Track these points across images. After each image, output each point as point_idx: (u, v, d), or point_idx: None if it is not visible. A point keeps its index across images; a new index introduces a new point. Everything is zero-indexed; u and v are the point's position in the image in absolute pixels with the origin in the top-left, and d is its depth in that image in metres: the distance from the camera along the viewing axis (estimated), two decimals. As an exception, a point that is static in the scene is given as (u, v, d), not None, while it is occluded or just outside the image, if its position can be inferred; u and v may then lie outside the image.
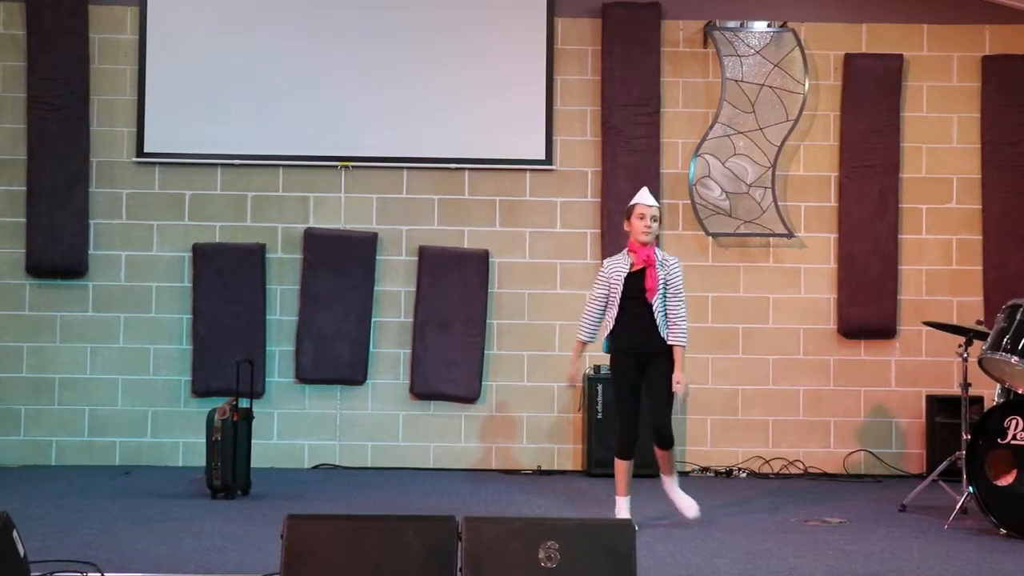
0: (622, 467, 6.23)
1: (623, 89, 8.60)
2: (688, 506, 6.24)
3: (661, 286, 6.10)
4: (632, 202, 6.28)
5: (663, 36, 8.70)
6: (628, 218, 6.26)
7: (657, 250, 6.21)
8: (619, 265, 6.20)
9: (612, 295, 6.19)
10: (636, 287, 6.13)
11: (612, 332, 6.21)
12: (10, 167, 8.55)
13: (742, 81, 8.60)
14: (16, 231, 8.51)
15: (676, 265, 6.20)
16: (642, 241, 6.16)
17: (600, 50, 8.66)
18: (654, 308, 6.09)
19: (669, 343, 6.10)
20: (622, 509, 6.21)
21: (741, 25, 8.60)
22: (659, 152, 8.65)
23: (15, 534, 4.12)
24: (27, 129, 8.51)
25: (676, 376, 6.08)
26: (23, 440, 8.43)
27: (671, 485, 6.33)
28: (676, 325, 6.12)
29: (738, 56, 8.60)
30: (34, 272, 8.49)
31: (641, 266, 6.14)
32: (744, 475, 8.41)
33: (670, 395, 6.18)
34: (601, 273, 6.32)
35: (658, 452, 6.27)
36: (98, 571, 4.65)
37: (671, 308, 6.13)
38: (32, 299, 8.52)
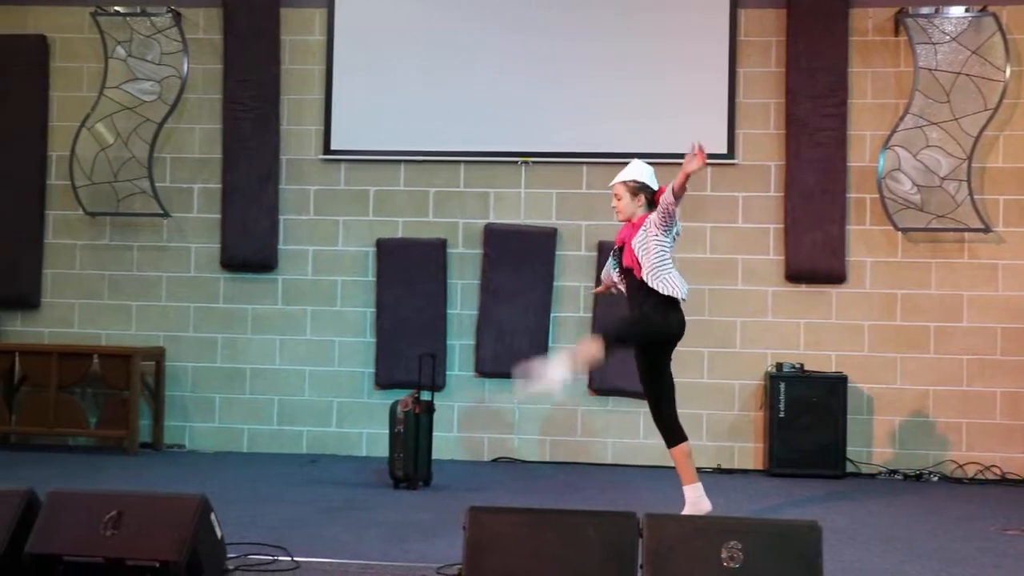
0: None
1: (809, 80, 8.38)
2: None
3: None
4: None
5: (851, 25, 8.43)
6: None
7: (648, 219, 5.94)
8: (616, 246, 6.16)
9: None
10: (623, 265, 6.04)
11: None
12: (207, 166, 8.91)
13: (936, 69, 8.25)
14: (212, 227, 8.87)
15: (648, 220, 5.93)
16: (619, 220, 6.10)
17: (785, 41, 8.46)
18: (646, 283, 5.88)
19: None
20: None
21: (936, 11, 8.25)
22: (846, 145, 8.39)
23: (213, 516, 4.28)
24: (222, 129, 8.86)
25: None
26: (217, 427, 8.79)
27: (689, 495, 6.00)
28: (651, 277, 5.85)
29: (932, 44, 8.26)
30: (228, 266, 8.83)
31: (620, 244, 6.06)
32: (935, 479, 8.08)
33: (661, 387, 6.03)
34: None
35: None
36: (288, 556, 4.79)
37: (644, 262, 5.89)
38: (226, 292, 8.87)
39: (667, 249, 5.92)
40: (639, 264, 5.90)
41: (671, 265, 5.93)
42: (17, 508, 4.22)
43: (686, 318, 6.06)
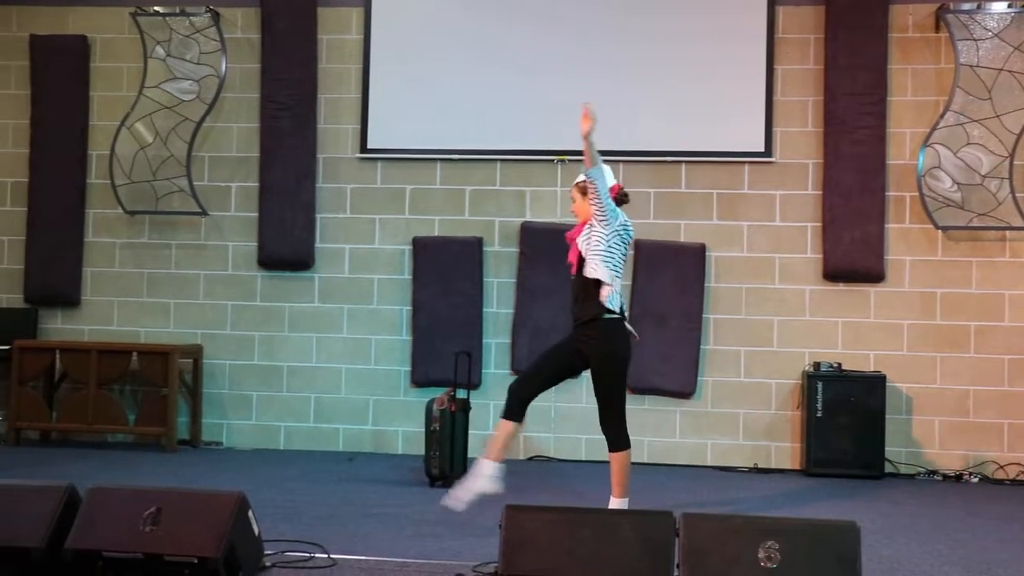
0: (501, 428, 5.86)
1: (847, 78, 8.31)
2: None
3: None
4: None
5: (891, 22, 8.36)
6: None
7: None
8: None
9: None
10: (568, 262, 6.01)
11: None
12: (245, 164, 8.96)
13: (978, 66, 8.16)
14: (250, 225, 8.92)
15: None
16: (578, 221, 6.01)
17: (823, 38, 8.40)
18: (588, 283, 5.81)
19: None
20: (482, 471, 5.81)
21: (978, 7, 8.17)
22: (885, 142, 8.32)
23: (250, 513, 4.30)
24: (260, 128, 8.91)
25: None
26: (255, 424, 8.84)
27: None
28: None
29: (974, 40, 8.17)
30: (265, 264, 8.88)
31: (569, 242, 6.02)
32: (976, 480, 8.00)
33: (606, 389, 5.85)
34: None
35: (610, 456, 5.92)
36: (324, 553, 4.80)
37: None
38: (263, 290, 8.92)
39: (607, 242, 5.79)
40: (582, 258, 5.85)
41: (613, 264, 5.80)
42: (58, 504, 4.26)
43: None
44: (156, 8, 8.95)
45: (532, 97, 8.63)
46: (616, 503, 5.86)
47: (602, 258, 5.79)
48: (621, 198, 5.98)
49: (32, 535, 4.15)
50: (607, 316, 5.80)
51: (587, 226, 5.89)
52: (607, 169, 5.89)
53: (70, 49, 9.09)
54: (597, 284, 5.80)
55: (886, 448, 7.92)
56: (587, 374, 6.00)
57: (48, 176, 9.04)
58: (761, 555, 3.95)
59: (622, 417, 5.92)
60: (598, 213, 5.79)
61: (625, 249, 5.94)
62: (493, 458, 5.83)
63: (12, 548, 4.13)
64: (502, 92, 8.67)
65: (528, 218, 8.65)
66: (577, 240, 5.93)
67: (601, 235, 5.81)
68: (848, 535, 4.01)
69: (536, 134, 8.62)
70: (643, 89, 8.53)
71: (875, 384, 7.91)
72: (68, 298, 9.02)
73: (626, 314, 5.95)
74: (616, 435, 5.90)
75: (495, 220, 8.72)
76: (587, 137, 5.66)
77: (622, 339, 5.87)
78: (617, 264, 5.84)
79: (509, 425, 5.86)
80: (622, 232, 5.88)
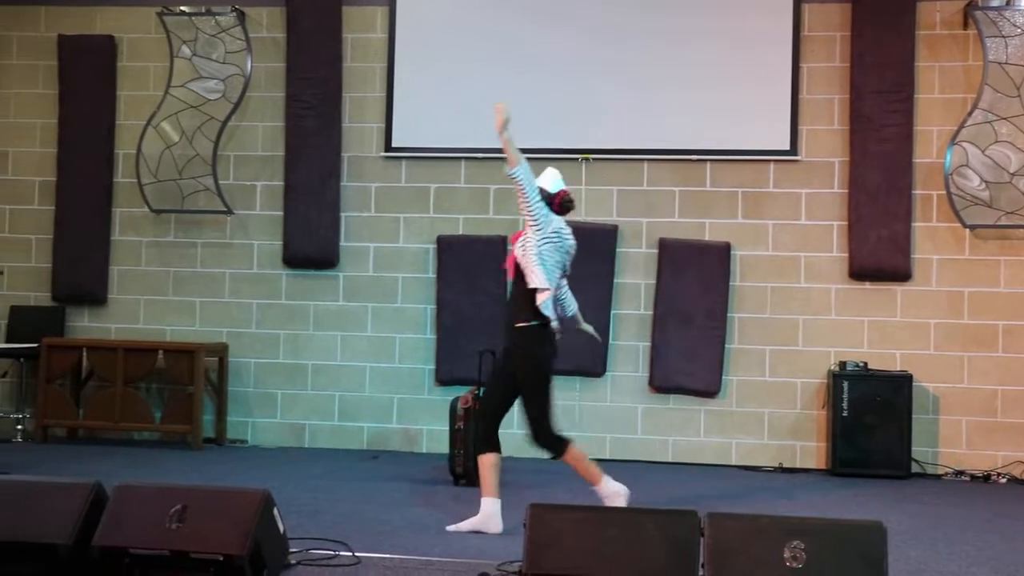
0: (482, 463, 5.67)
1: (874, 75, 8.26)
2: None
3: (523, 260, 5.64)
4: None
5: (918, 19, 8.30)
6: None
7: None
8: None
9: None
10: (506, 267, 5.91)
11: None
12: (270, 163, 8.99)
13: (1007, 63, 8.10)
14: (275, 224, 8.95)
15: None
16: None
17: (850, 36, 8.35)
18: (512, 288, 5.72)
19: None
20: (485, 509, 5.58)
21: (1007, 3, 8.10)
22: (912, 140, 8.27)
23: (275, 511, 4.32)
24: (285, 127, 8.94)
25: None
26: (279, 423, 8.87)
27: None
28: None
29: (1003, 37, 8.10)
30: (290, 263, 8.91)
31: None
32: (1004, 480, 7.93)
33: (528, 391, 5.66)
34: None
35: None
36: (349, 550, 4.81)
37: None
38: (288, 289, 8.94)
39: (538, 248, 5.64)
40: (516, 264, 5.70)
41: (545, 271, 5.63)
42: (85, 501, 4.29)
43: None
44: (182, 8, 8.99)
45: (556, 96, 8.62)
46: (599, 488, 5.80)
47: (533, 263, 5.62)
48: (566, 204, 5.82)
49: (59, 532, 4.18)
50: (532, 323, 5.64)
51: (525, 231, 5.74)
52: (554, 173, 5.80)
53: (97, 49, 9.14)
54: (528, 291, 5.62)
55: (913, 448, 7.87)
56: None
57: (75, 175, 9.10)
58: (787, 555, 3.93)
59: (547, 420, 5.75)
60: (527, 216, 5.63)
61: (561, 258, 5.75)
62: (492, 495, 5.61)
63: (40, 544, 4.16)
64: (526, 91, 8.65)
65: (552, 217, 8.63)
66: (515, 244, 5.78)
67: (532, 241, 5.65)
68: (874, 535, 3.98)
69: (561, 132, 8.61)
70: (668, 88, 8.51)
71: (902, 383, 7.86)
72: (95, 296, 9.07)
73: (554, 324, 5.71)
74: (548, 442, 5.76)
75: (519, 219, 8.69)
76: (502, 133, 5.54)
77: (542, 346, 5.71)
78: (549, 272, 5.65)
79: (489, 457, 5.67)
80: (555, 239, 5.70)
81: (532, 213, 5.63)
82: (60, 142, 9.16)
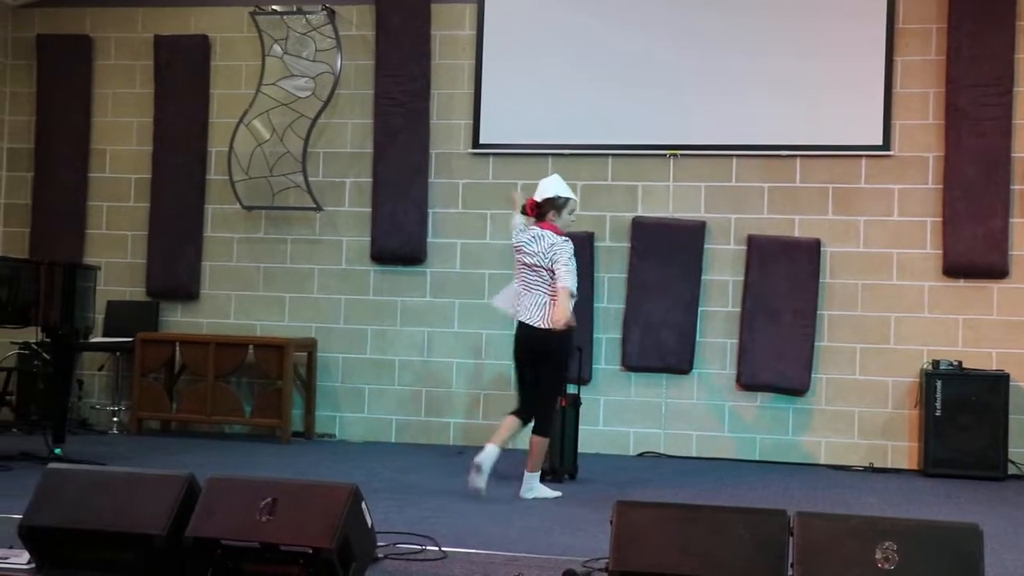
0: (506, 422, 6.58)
1: (971, 68, 8.08)
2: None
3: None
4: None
5: (1019, 10, 8.09)
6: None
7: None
8: None
9: None
10: None
11: None
12: (359, 160, 9.08)
13: (1108, 55, 7.87)
14: (363, 220, 9.03)
15: None
16: None
17: (946, 27, 8.17)
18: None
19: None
20: (484, 454, 6.39)
21: (1106, -7, 7.87)
22: (1011, 135, 8.07)
23: (364, 505, 4.35)
24: (374, 124, 9.02)
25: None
26: (366, 417, 8.96)
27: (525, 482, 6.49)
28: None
29: (1104, 27, 7.87)
30: (378, 259, 8.99)
31: None
32: (1104, 485, 7.71)
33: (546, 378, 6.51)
34: None
35: None
36: (436, 545, 4.84)
37: None
38: (376, 284, 9.03)
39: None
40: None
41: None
42: (179, 492, 4.36)
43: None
44: (274, 7, 9.12)
45: (643, 91, 8.57)
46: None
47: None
48: (522, 210, 6.61)
49: (154, 522, 4.25)
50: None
51: None
52: (559, 179, 6.61)
53: (192, 48, 9.32)
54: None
55: (1009, 449, 7.68)
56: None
57: (170, 173, 9.29)
58: (878, 556, 3.85)
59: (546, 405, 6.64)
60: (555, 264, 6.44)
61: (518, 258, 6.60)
62: (497, 443, 6.44)
63: (136, 535, 4.24)
64: (613, 87, 8.62)
65: (639, 213, 8.60)
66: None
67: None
68: (970, 538, 3.89)
69: (648, 128, 8.56)
70: (756, 82, 8.41)
71: (997, 383, 7.68)
72: (188, 292, 9.25)
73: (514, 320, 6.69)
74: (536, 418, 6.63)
75: (606, 215, 8.68)
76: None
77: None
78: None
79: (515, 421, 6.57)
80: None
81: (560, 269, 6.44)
82: (155, 140, 9.36)
